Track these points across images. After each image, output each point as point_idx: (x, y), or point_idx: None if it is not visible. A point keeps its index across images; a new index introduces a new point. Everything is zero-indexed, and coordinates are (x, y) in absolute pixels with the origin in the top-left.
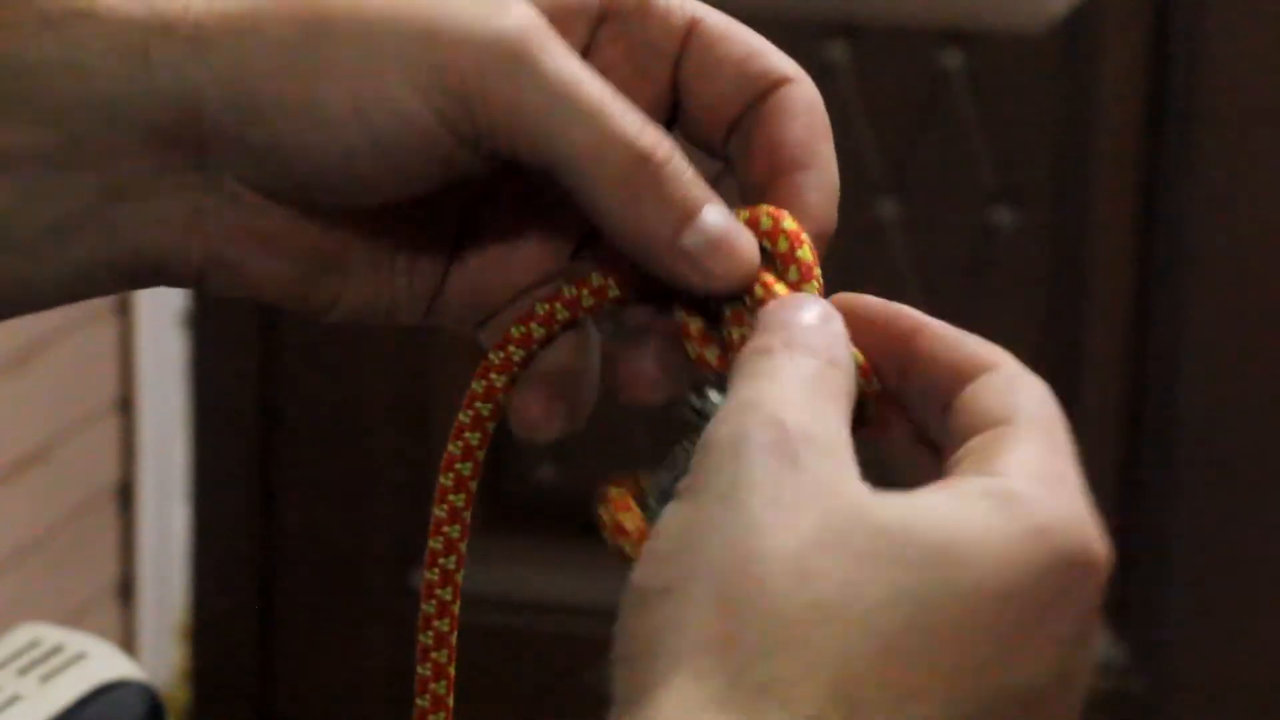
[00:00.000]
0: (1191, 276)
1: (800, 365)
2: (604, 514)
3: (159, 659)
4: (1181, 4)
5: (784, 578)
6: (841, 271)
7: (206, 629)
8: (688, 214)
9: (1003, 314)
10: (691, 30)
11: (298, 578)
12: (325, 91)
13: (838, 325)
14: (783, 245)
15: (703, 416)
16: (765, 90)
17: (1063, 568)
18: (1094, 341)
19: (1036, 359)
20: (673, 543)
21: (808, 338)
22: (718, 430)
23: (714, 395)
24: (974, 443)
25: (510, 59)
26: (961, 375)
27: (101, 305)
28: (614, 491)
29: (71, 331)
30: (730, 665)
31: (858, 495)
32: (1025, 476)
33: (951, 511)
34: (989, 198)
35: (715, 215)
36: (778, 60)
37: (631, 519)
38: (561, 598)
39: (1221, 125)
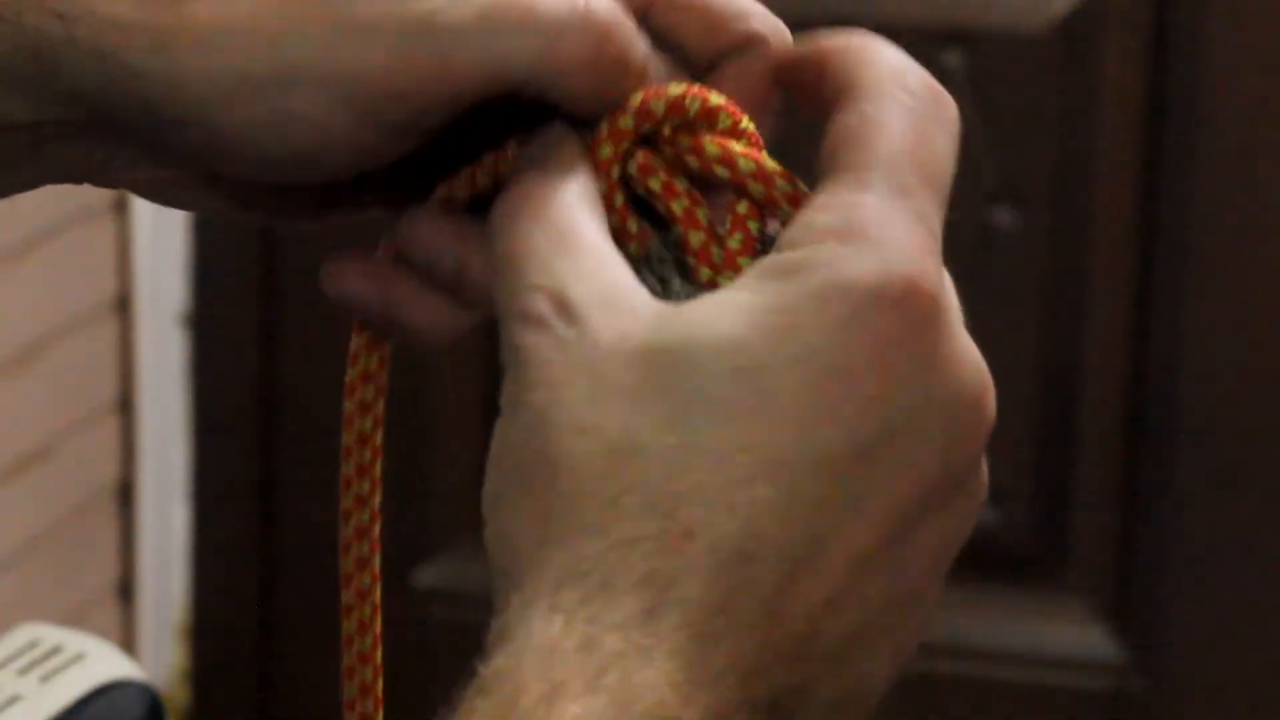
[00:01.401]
0: (1191, 276)
1: (519, 210)
2: None
3: (159, 659)
4: (1181, 4)
5: (567, 442)
6: None
7: (206, 629)
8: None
9: (1003, 314)
10: None
11: (298, 578)
12: (240, 103)
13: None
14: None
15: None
16: (731, 51)
17: (850, 323)
18: (1094, 342)
19: (1036, 360)
20: (492, 455)
21: (520, 175)
22: (501, 330)
23: (678, 282)
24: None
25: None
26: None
27: (101, 305)
28: None
29: (71, 331)
30: (552, 538)
31: (606, 344)
32: (819, 238)
33: (712, 321)
34: (989, 198)
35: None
36: (745, 19)
37: None
38: None
39: (1221, 125)
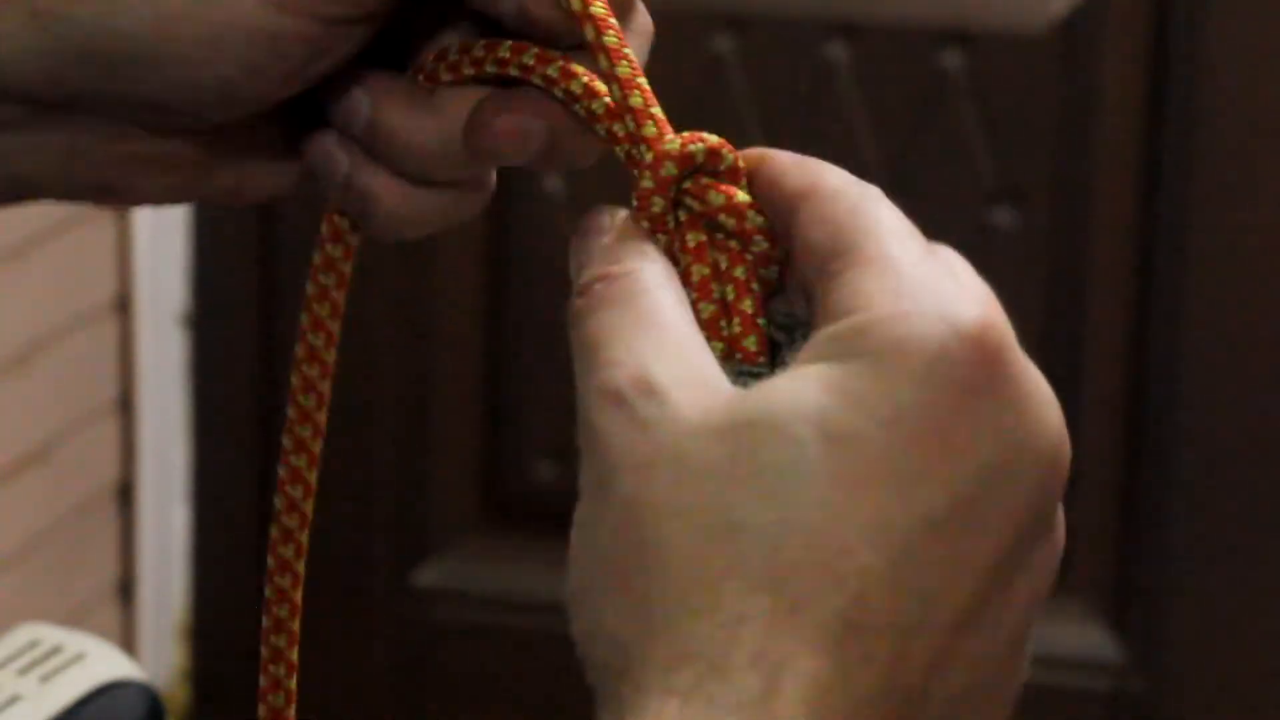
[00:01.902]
0: (1191, 276)
1: (601, 299)
2: None
3: (159, 659)
4: (1181, 4)
5: (662, 527)
6: None
7: (206, 629)
8: None
9: None
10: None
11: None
12: (175, 30)
13: (613, 225)
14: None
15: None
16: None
17: (925, 381)
18: (1094, 341)
19: (1036, 359)
20: (576, 546)
21: (591, 265)
22: (580, 413)
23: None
24: (821, 288)
25: None
26: (790, 202)
27: (101, 305)
28: None
29: (71, 331)
30: (656, 625)
31: (691, 425)
32: (871, 301)
33: (794, 397)
34: (989, 198)
35: None
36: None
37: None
38: (561, 598)
39: (1221, 125)
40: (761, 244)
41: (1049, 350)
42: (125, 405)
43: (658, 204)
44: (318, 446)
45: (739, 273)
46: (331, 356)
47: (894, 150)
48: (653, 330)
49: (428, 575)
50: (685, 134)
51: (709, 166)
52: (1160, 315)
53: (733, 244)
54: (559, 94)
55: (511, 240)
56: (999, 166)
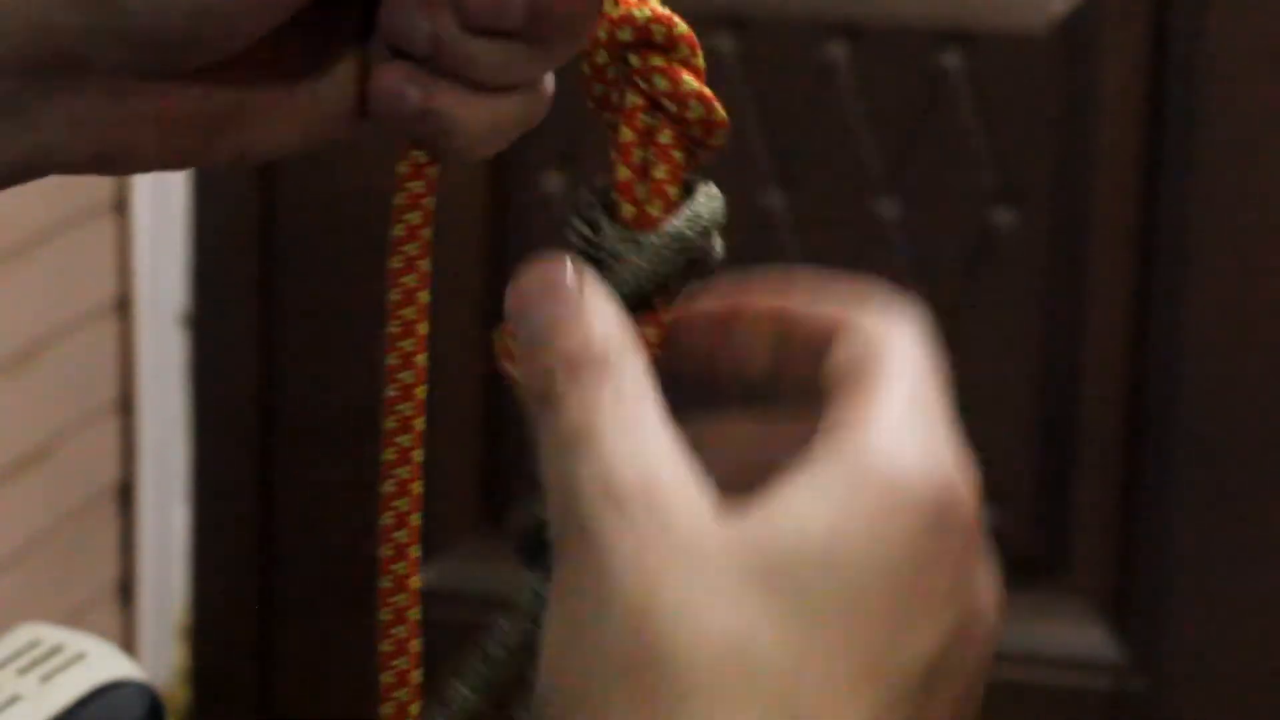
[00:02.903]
0: (1191, 276)
1: (584, 377)
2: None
3: (159, 659)
4: (1181, 4)
5: (678, 636)
6: (842, 271)
7: (206, 629)
8: None
9: (1003, 314)
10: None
11: (298, 578)
12: None
13: (592, 311)
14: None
15: (596, 248)
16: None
17: (927, 530)
18: (1094, 342)
19: (1037, 359)
20: (564, 644)
21: (561, 332)
22: (554, 514)
23: (605, 224)
24: (831, 412)
25: None
26: (815, 345)
27: (101, 305)
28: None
29: (71, 331)
30: None
31: (699, 533)
32: (869, 445)
33: (800, 518)
34: (989, 198)
35: None
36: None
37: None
38: None
39: (1221, 125)
40: (696, 130)
41: (1049, 350)
42: (125, 405)
43: (601, 56)
44: (420, 403)
45: (664, 138)
46: (427, 298)
47: (894, 150)
48: (648, 424)
49: (428, 575)
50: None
51: (659, 36)
52: (1160, 315)
53: (668, 117)
54: None
55: (511, 240)
56: (999, 166)
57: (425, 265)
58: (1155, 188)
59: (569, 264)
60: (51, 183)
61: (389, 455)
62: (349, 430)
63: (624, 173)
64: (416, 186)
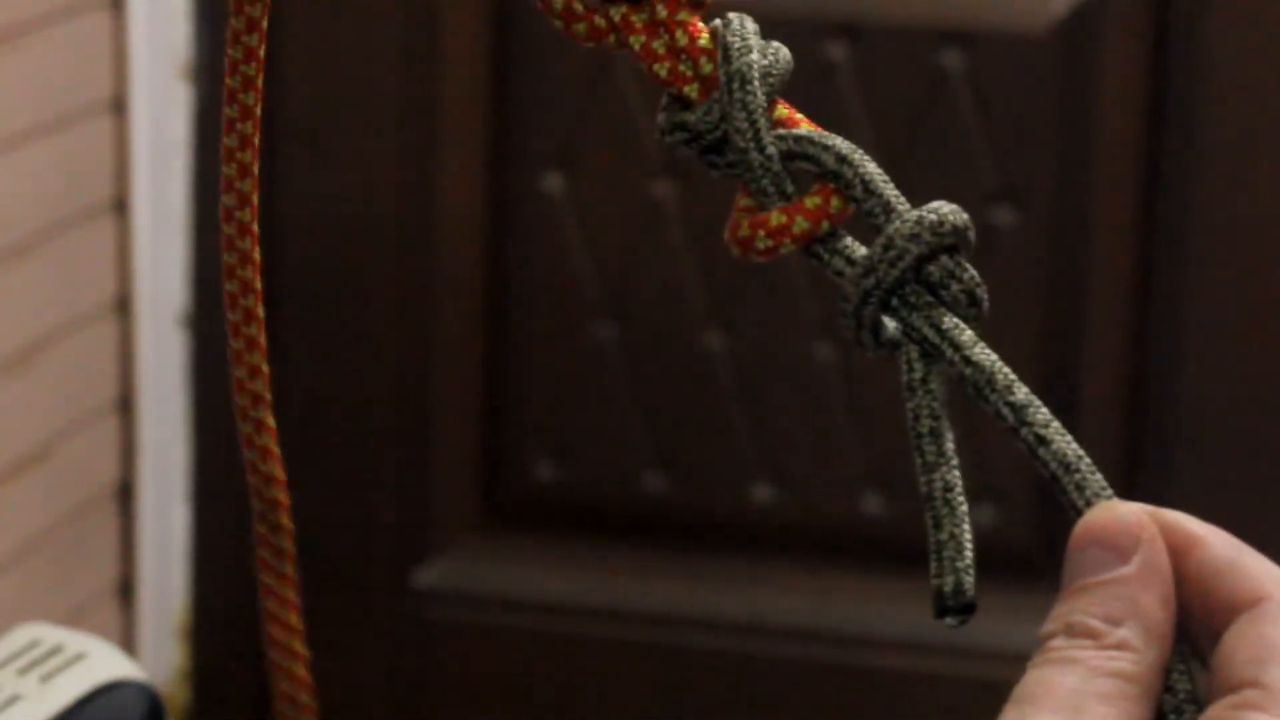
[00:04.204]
0: (1191, 276)
1: (1067, 656)
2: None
3: (159, 659)
4: (1181, 4)
5: None
6: None
7: (206, 629)
8: None
9: (1003, 314)
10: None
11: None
12: None
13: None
14: None
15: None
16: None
17: None
18: (1094, 341)
19: (1037, 358)
20: None
21: (1082, 604)
22: None
23: (849, 244)
24: (1221, 705)
25: None
26: (1231, 607)
27: (101, 305)
28: None
29: (71, 331)
30: None
31: None
32: None
33: None
34: (989, 198)
35: None
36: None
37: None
38: (561, 598)
39: (1221, 125)
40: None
41: (1049, 350)
42: (125, 405)
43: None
44: (256, 210)
45: (662, 13)
46: (259, 110)
47: (894, 150)
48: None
49: (428, 575)
50: None
51: None
52: (1160, 315)
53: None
54: None
55: (511, 240)
56: (999, 166)
57: (261, 83)
58: (1155, 187)
59: (1120, 511)
60: (51, 183)
61: (229, 259)
62: (349, 430)
63: (662, 69)
64: (253, 10)
